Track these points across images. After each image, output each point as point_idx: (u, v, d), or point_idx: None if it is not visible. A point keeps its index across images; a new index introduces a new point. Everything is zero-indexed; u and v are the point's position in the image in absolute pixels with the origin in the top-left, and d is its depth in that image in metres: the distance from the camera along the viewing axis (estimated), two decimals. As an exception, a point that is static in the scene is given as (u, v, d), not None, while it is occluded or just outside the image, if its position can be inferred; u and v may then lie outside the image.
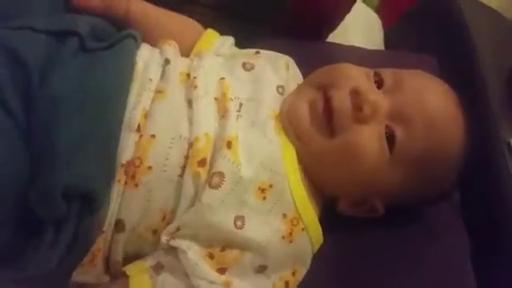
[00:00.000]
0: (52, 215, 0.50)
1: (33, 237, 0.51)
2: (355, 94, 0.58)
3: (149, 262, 0.55)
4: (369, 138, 0.58)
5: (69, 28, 0.57)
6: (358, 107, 0.58)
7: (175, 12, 0.71)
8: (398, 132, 0.59)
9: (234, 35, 0.72)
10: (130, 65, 0.58)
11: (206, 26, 0.72)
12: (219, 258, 0.54)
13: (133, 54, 0.59)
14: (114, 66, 0.57)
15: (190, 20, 0.72)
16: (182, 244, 0.54)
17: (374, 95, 0.59)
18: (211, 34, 0.71)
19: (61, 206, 0.50)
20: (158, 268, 0.54)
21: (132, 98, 0.56)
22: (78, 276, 0.54)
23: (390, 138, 0.58)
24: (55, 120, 0.52)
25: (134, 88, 0.57)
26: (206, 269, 0.53)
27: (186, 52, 0.67)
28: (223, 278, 0.54)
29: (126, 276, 0.54)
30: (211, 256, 0.54)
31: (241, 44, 0.72)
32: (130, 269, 0.55)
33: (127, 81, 0.57)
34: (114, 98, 0.55)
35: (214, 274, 0.54)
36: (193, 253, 0.53)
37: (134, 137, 0.54)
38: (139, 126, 0.54)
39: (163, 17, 0.70)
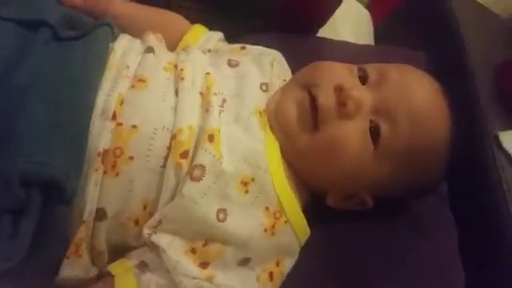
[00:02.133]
0: (9, 203, 0.49)
1: None
2: (339, 90, 0.59)
3: (133, 261, 0.55)
4: (351, 133, 0.58)
5: (40, 17, 0.57)
6: (342, 103, 0.58)
7: (165, 5, 0.71)
8: (383, 126, 0.59)
9: (224, 29, 0.72)
10: (103, 52, 0.58)
11: (196, 20, 0.73)
12: (201, 252, 0.54)
13: (106, 41, 0.59)
14: (83, 54, 0.57)
15: (175, 15, 0.73)
16: (162, 240, 0.53)
17: (357, 91, 0.59)
18: (199, 29, 0.72)
19: (19, 193, 0.49)
20: (142, 266, 0.54)
21: (107, 85, 0.56)
22: (65, 269, 0.53)
23: (375, 132, 0.59)
24: (17, 108, 0.51)
25: (110, 75, 0.57)
26: (188, 265, 0.53)
27: (171, 46, 0.67)
28: (205, 272, 0.54)
29: (110, 275, 0.54)
30: (193, 251, 0.54)
31: (231, 38, 0.72)
32: (115, 268, 0.55)
33: (98, 67, 0.56)
34: (80, 84, 0.55)
35: (195, 270, 0.54)
36: (173, 250, 0.53)
37: (110, 125, 0.54)
38: (115, 113, 0.54)
39: (144, 13, 0.70)
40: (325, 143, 0.58)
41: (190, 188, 0.53)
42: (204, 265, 0.54)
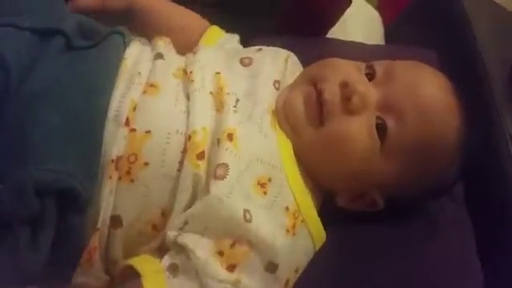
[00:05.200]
0: (25, 213, 0.49)
1: (7, 238, 0.49)
2: (344, 86, 0.58)
3: (163, 263, 0.52)
4: (356, 128, 0.58)
5: (55, 26, 0.57)
6: (347, 98, 0.58)
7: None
8: (390, 123, 0.58)
9: (234, 30, 0.72)
10: (115, 59, 0.58)
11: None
12: (229, 254, 0.52)
13: (118, 49, 0.60)
14: (97, 61, 0.57)
15: (195, 14, 0.73)
16: (189, 241, 0.52)
17: (362, 86, 0.59)
18: (215, 31, 0.72)
19: (34, 203, 0.49)
20: (173, 270, 0.52)
21: (119, 92, 0.56)
22: (78, 277, 0.53)
23: (382, 128, 0.58)
24: (31, 116, 0.51)
25: (122, 82, 0.57)
26: (216, 267, 0.52)
27: (190, 47, 0.67)
28: (232, 276, 0.52)
29: (135, 274, 0.52)
30: (221, 253, 0.52)
31: (242, 39, 0.72)
32: (142, 267, 0.52)
33: (111, 74, 0.57)
34: (93, 92, 0.55)
35: (223, 273, 0.52)
36: (201, 250, 0.52)
37: (123, 131, 0.54)
38: (128, 119, 0.54)
39: (169, 9, 0.70)
40: (330, 138, 0.58)
41: (216, 186, 0.52)
42: (231, 268, 0.53)
